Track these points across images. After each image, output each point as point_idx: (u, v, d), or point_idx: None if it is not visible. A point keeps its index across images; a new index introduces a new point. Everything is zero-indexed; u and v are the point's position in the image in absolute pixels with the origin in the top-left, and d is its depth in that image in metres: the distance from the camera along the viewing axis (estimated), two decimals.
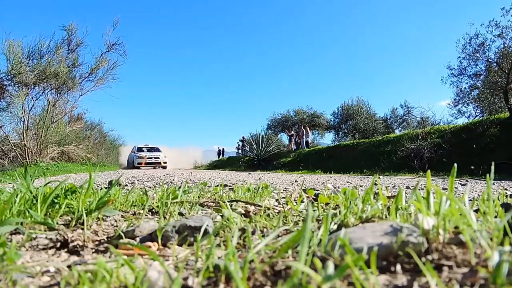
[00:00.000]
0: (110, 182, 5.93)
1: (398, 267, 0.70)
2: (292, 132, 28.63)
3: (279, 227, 1.08)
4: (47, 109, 19.21)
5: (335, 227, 1.04)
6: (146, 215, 1.67)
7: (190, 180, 7.60)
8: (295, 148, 26.91)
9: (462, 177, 9.94)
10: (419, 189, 1.11)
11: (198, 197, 2.23)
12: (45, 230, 1.22)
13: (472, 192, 4.88)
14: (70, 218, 1.38)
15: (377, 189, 1.90)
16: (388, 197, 1.56)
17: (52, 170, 15.36)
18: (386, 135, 22.57)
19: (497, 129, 14.07)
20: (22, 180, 1.48)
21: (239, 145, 32.31)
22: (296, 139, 27.57)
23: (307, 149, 24.79)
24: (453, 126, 17.08)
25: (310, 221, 0.68)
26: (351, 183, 6.95)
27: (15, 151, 17.79)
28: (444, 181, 8.03)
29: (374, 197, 1.21)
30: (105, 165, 25.50)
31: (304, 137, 26.34)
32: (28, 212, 1.24)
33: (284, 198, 2.51)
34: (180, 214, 1.64)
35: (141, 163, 25.30)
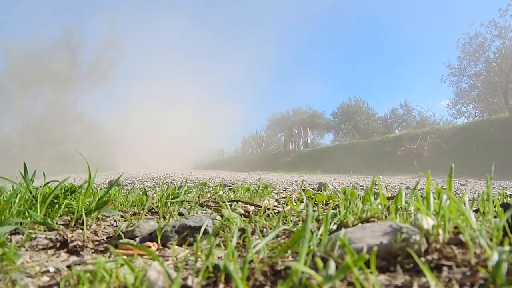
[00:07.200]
0: (110, 182, 5.93)
1: (398, 267, 0.70)
2: (293, 131, 28.57)
3: (278, 227, 1.08)
4: (47, 109, 19.25)
5: (334, 227, 1.04)
6: (145, 215, 1.67)
7: (190, 180, 7.60)
8: (295, 148, 26.90)
9: (462, 177, 9.95)
10: (418, 189, 1.11)
11: (198, 197, 2.23)
12: (45, 230, 1.22)
13: (471, 192, 4.89)
14: (69, 218, 1.38)
15: (377, 189, 1.90)
16: (388, 198, 1.56)
17: (52, 170, 15.37)
18: (386, 135, 22.61)
19: (497, 129, 14.09)
20: (22, 180, 1.48)
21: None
22: (296, 139, 27.53)
23: (307, 149, 24.80)
24: (453, 126, 17.11)
25: (309, 221, 0.68)
26: (350, 183, 6.95)
27: (14, 151, 17.81)
28: (444, 181, 8.04)
29: (374, 197, 1.20)
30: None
31: (303, 137, 26.33)
32: (28, 212, 1.24)
33: (283, 198, 2.51)
34: (180, 214, 1.64)
35: None
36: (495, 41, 17.73)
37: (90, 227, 1.30)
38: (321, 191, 3.20)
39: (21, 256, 0.86)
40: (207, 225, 1.11)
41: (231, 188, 3.06)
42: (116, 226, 1.38)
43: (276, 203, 2.06)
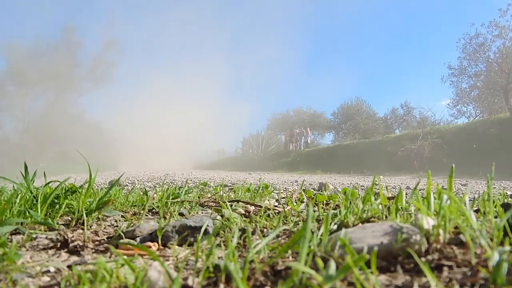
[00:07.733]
0: (111, 182, 5.93)
1: (398, 267, 0.70)
2: (294, 131, 28.54)
3: (279, 227, 1.08)
4: (47, 109, 19.28)
5: (335, 227, 1.04)
6: (146, 215, 1.67)
7: (190, 180, 7.61)
8: (295, 148, 26.89)
9: (462, 177, 9.94)
10: (419, 189, 1.11)
11: (198, 197, 2.23)
12: (45, 230, 1.22)
13: (472, 192, 4.89)
14: (70, 218, 1.38)
15: (377, 189, 1.90)
16: (389, 198, 1.56)
17: (52, 170, 15.38)
18: (386, 135, 22.60)
19: (497, 129, 14.08)
20: (22, 180, 1.48)
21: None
22: (296, 139, 27.52)
23: (307, 149, 24.81)
24: (453, 126, 17.10)
25: (310, 221, 0.68)
26: (351, 183, 6.95)
27: (15, 151, 17.82)
28: (444, 181, 8.03)
29: (374, 197, 1.20)
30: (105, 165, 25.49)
31: (303, 137, 26.33)
32: (29, 212, 1.24)
33: (284, 198, 2.51)
34: (180, 214, 1.64)
35: None
36: (495, 41, 17.74)
37: (90, 227, 1.30)
38: (321, 191, 3.20)
39: (21, 256, 0.86)
40: (207, 225, 1.11)
41: (232, 188, 3.06)
42: (117, 226, 1.38)
43: (276, 203, 2.06)
